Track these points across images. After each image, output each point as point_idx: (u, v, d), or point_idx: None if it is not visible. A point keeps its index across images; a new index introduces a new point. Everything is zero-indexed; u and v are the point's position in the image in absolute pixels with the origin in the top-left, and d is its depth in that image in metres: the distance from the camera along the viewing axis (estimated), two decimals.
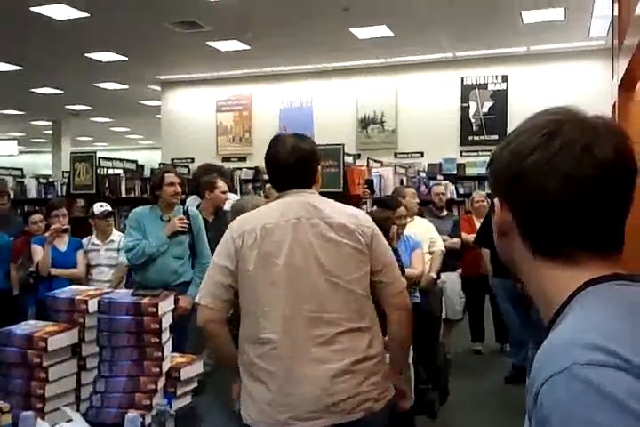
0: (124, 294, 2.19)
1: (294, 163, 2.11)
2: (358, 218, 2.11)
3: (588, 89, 9.92)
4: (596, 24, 9.09)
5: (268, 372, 1.96)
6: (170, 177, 4.17)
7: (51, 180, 8.32)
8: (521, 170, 0.80)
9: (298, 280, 1.98)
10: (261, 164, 10.91)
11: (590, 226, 0.78)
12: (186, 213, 4.26)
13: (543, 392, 0.66)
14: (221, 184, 4.61)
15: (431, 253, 5.00)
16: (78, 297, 2.15)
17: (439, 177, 9.83)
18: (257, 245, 2.00)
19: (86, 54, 10.81)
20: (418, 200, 5.32)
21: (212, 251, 3.99)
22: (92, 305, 2.12)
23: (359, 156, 9.86)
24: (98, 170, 5.92)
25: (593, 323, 0.70)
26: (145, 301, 2.09)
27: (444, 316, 5.27)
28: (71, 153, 6.13)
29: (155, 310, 2.06)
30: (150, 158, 16.86)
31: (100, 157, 6.07)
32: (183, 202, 6.03)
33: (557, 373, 0.65)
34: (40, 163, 23.53)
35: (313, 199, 2.11)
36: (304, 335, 1.96)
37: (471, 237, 5.63)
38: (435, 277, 4.95)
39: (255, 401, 1.98)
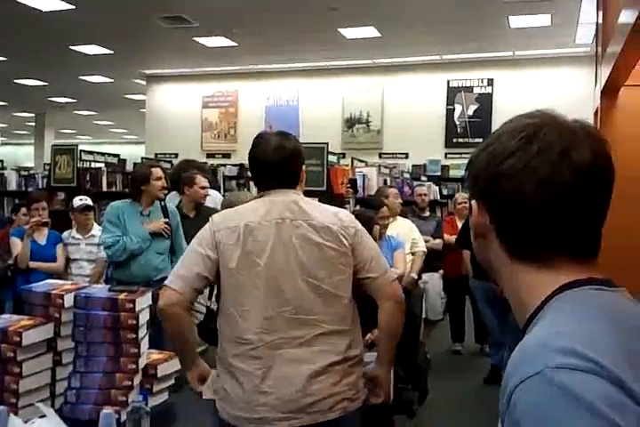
0: (100, 290, 2.17)
1: (279, 162, 2.09)
2: (342, 219, 2.09)
3: (572, 94, 10.00)
4: (582, 31, 9.17)
5: (244, 371, 1.94)
6: (158, 171, 4.15)
7: (31, 172, 8.22)
8: (498, 173, 0.80)
9: (279, 281, 1.97)
10: (246, 160, 10.88)
11: (566, 230, 0.79)
12: (164, 208, 4.24)
13: (516, 395, 0.66)
14: (200, 179, 4.57)
15: (413, 253, 5.02)
16: (54, 291, 2.13)
17: (423, 178, 9.87)
18: (240, 243, 1.97)
19: (71, 46, 10.71)
20: (400, 200, 5.34)
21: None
22: (69, 300, 2.10)
23: (344, 155, 9.87)
24: (79, 163, 5.86)
25: (566, 327, 0.70)
26: (122, 296, 2.07)
27: (424, 316, 5.29)
28: (52, 145, 6.06)
29: (132, 305, 2.05)
30: (134, 153, 16.75)
31: (81, 150, 6.01)
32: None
33: (530, 376, 0.65)
34: (22, 155, 23.31)
35: (297, 199, 2.09)
36: (283, 336, 1.95)
37: (453, 238, 5.66)
38: (416, 277, 4.98)
39: (232, 398, 1.97)
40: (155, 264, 4.11)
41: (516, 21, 8.87)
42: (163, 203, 4.29)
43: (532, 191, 0.77)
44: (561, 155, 0.77)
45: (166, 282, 2.01)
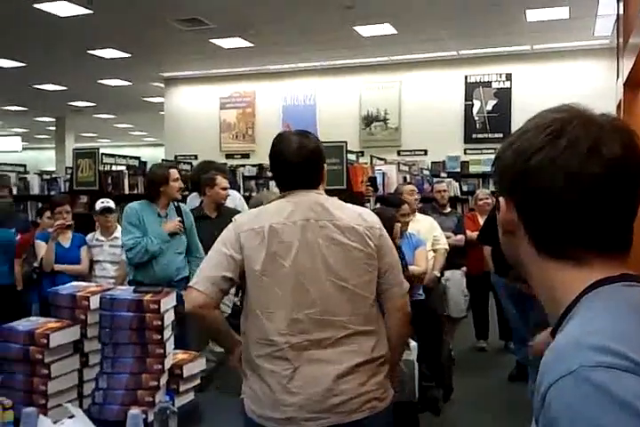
0: (125, 291, 2.19)
1: (301, 162, 2.06)
2: (366, 220, 2.07)
3: (591, 87, 9.88)
4: (601, 23, 9.07)
5: (271, 371, 1.94)
6: (175, 173, 4.22)
7: (54, 176, 8.31)
8: (526, 169, 0.79)
9: (305, 283, 1.96)
10: (265, 161, 10.89)
11: (597, 226, 0.77)
12: (178, 208, 4.27)
13: (551, 395, 0.65)
14: (221, 180, 4.57)
15: (434, 250, 4.99)
16: (80, 293, 2.15)
17: (443, 175, 9.82)
18: (264, 245, 1.96)
19: (89, 51, 10.81)
20: (416, 197, 5.29)
21: (210, 248, 3.93)
22: (94, 302, 2.12)
23: (362, 153, 9.85)
24: (101, 166, 5.91)
25: (600, 325, 0.69)
26: (147, 297, 2.08)
27: (446, 313, 5.27)
28: (74, 149, 6.12)
29: (157, 306, 2.06)
30: (154, 155, 16.88)
31: (102, 154, 6.07)
32: (182, 199, 6.05)
33: (565, 375, 0.64)
34: (43, 159, 23.58)
35: (321, 200, 2.07)
36: (309, 338, 1.94)
37: (475, 234, 5.63)
38: (438, 275, 4.95)
39: (259, 398, 1.97)
40: (176, 264, 4.15)
41: (534, 15, 8.78)
42: (177, 203, 4.32)
43: (562, 187, 0.76)
44: (590, 149, 0.76)
45: (191, 283, 2.00)
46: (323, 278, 1.97)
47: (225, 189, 4.57)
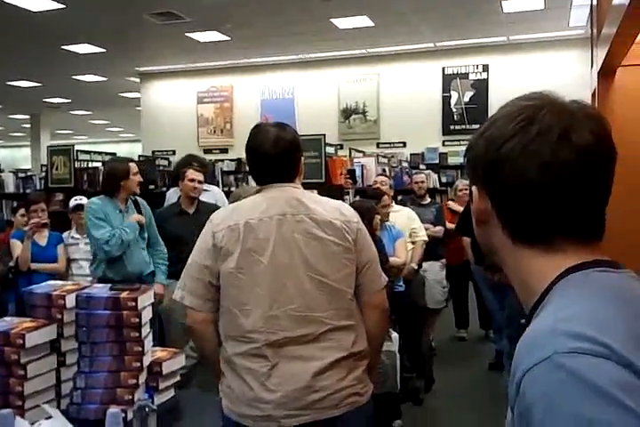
0: (102, 289, 2.16)
1: (278, 154, 2.03)
2: (344, 214, 2.06)
3: (567, 77, 9.96)
4: (576, 13, 9.12)
5: (249, 369, 1.93)
6: (135, 167, 4.17)
7: (29, 174, 8.20)
8: (498, 157, 0.78)
9: (283, 279, 1.94)
10: (243, 155, 10.86)
11: (570, 212, 0.78)
12: (135, 202, 4.25)
13: (525, 382, 0.65)
14: (190, 173, 4.44)
15: (413, 242, 5.01)
16: (55, 292, 2.12)
17: (422, 166, 9.85)
18: (240, 241, 1.94)
19: (64, 46, 10.65)
20: (387, 186, 5.30)
21: (188, 244, 3.91)
22: (70, 300, 2.09)
23: (341, 146, 9.84)
24: (76, 163, 5.84)
25: (574, 311, 0.69)
26: (124, 295, 2.06)
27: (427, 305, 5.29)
28: (48, 146, 6.04)
29: (134, 304, 2.03)
30: (131, 151, 16.75)
31: (78, 150, 5.99)
32: (159, 194, 5.99)
33: (539, 362, 0.64)
34: (19, 157, 23.30)
35: (298, 194, 2.05)
36: (289, 335, 1.92)
37: (452, 225, 5.67)
38: (415, 267, 4.97)
39: (237, 396, 1.96)
40: (144, 259, 4.15)
41: (510, 6, 8.81)
42: (134, 197, 4.28)
43: (534, 174, 0.76)
44: (561, 136, 0.76)
45: (177, 297, 2.06)
46: (301, 274, 1.95)
47: (192, 180, 4.41)
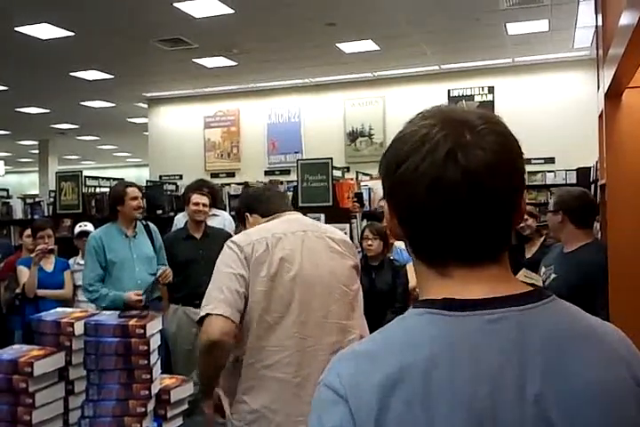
0: (110, 316, 2.14)
1: (283, 193, 2.45)
2: (346, 236, 2.31)
3: (573, 98, 10.00)
4: (580, 34, 9.18)
5: (280, 380, 1.92)
6: (133, 191, 4.06)
7: (37, 200, 8.23)
8: (395, 179, 0.78)
9: (311, 288, 1.99)
10: (250, 179, 10.86)
11: (459, 235, 0.75)
12: (147, 227, 4.20)
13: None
14: (195, 197, 4.38)
15: None
16: (64, 320, 2.10)
17: None
18: (269, 253, 1.99)
19: (72, 73, 10.78)
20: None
21: (195, 268, 3.87)
22: (79, 328, 2.07)
23: (348, 169, 9.86)
24: (84, 189, 5.86)
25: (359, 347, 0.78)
26: (132, 322, 2.04)
27: None
28: (57, 172, 6.07)
29: (142, 331, 2.01)
30: (138, 175, 16.84)
31: (86, 176, 6.02)
32: (167, 219, 5.97)
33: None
34: (27, 182, 23.46)
35: (307, 219, 2.25)
36: (318, 342, 1.95)
37: None
38: (416, 288, 4.94)
39: (265, 417, 1.94)
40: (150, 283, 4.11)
41: (514, 28, 8.88)
42: (145, 222, 4.23)
43: (424, 196, 0.74)
44: (447, 155, 0.73)
45: (207, 310, 1.93)
46: (327, 283, 2.02)
47: (197, 204, 4.34)
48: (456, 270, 0.77)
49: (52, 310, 2.31)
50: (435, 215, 0.75)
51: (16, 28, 8.21)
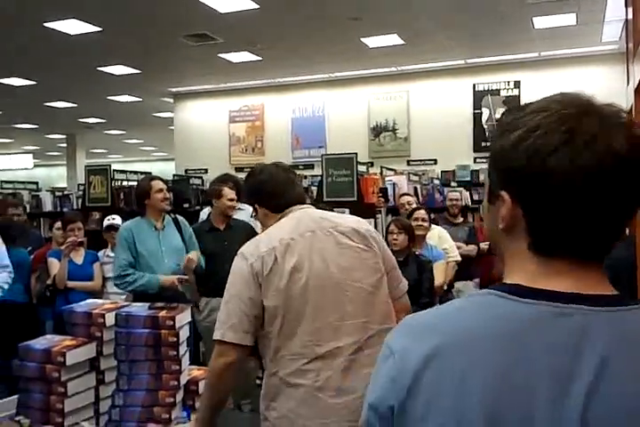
0: (141, 308, 2.19)
1: (292, 179, 2.21)
2: (363, 223, 2.19)
3: (600, 93, 9.46)
4: (608, 28, 9.05)
5: (302, 386, 1.92)
6: (157, 184, 4.15)
7: (65, 193, 8.37)
8: (543, 169, 0.76)
9: (323, 292, 1.97)
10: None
11: (581, 229, 0.77)
12: (175, 220, 4.27)
13: None
14: (228, 192, 4.48)
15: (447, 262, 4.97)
16: (95, 311, 2.15)
17: (453, 184, 9.78)
18: (279, 263, 1.96)
19: (99, 68, 10.91)
20: (413, 206, 5.28)
21: (221, 260, 3.89)
22: (110, 319, 2.12)
23: (372, 164, 9.84)
24: (112, 182, 5.95)
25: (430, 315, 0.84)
26: (162, 314, 2.09)
27: None
28: (86, 166, 6.16)
29: (172, 322, 2.06)
30: (164, 169, 16.97)
31: (114, 170, 6.11)
32: (193, 213, 6.02)
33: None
34: (55, 175, 23.81)
35: (318, 212, 2.16)
36: (337, 346, 1.94)
37: (486, 244, 5.60)
38: (445, 287, 4.93)
39: (293, 421, 1.93)
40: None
41: (541, 22, 8.78)
42: (173, 215, 4.30)
43: (581, 185, 0.75)
44: (602, 145, 0.75)
45: (218, 336, 1.92)
46: (338, 283, 2.00)
47: (231, 200, 4.47)
48: (558, 262, 0.79)
49: (84, 302, 2.37)
50: (590, 205, 0.76)
51: (45, 24, 8.33)
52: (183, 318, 2.13)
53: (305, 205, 2.18)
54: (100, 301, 2.42)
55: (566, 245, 0.78)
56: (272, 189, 2.18)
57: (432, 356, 0.75)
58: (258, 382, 4.32)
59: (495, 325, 0.75)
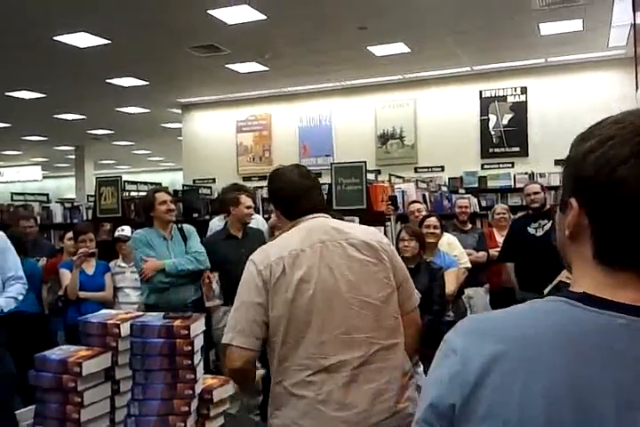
0: (155, 317, 2.20)
1: (312, 187, 2.19)
2: (377, 235, 2.16)
3: (607, 98, 9.86)
4: (615, 33, 9.05)
5: (305, 398, 1.93)
6: (161, 196, 4.25)
7: (75, 204, 8.43)
8: (612, 179, 0.77)
9: (330, 304, 1.96)
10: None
11: None
12: (181, 229, 4.32)
13: None
14: (245, 199, 4.56)
15: None
16: (110, 321, 2.16)
17: (461, 191, 9.79)
18: (287, 273, 1.97)
19: (108, 80, 11.00)
20: (423, 213, 5.29)
21: (238, 267, 3.89)
22: (125, 329, 2.13)
23: (379, 172, 9.87)
24: (123, 193, 5.99)
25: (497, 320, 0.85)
26: (177, 323, 2.09)
27: None
28: (96, 177, 6.22)
29: (187, 332, 2.06)
30: (173, 180, 17.06)
31: (125, 181, 6.15)
32: (202, 222, 6.07)
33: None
34: (63, 187, 23.94)
35: (331, 222, 2.14)
36: (341, 359, 1.94)
37: (495, 251, 5.61)
38: (454, 293, 4.92)
39: (290, 424, 1.95)
40: (190, 290, 4.22)
41: (547, 28, 8.79)
42: (180, 225, 4.38)
43: None
44: None
45: (227, 340, 2.00)
46: (347, 296, 1.98)
47: (249, 207, 4.55)
48: (623, 274, 0.78)
49: (98, 312, 2.38)
50: None
51: (54, 38, 8.42)
52: (197, 327, 2.13)
53: (320, 214, 2.16)
54: (114, 311, 2.44)
55: (632, 256, 0.78)
56: (287, 197, 2.18)
57: (497, 358, 0.76)
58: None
59: (562, 331, 0.75)
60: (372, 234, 2.14)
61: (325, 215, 2.18)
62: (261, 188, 10.46)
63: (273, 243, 2.13)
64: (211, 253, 4.40)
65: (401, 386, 2.00)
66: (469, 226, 6.01)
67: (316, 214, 2.15)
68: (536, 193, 5.25)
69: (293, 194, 2.17)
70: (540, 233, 4.96)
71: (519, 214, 5.92)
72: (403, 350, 2.06)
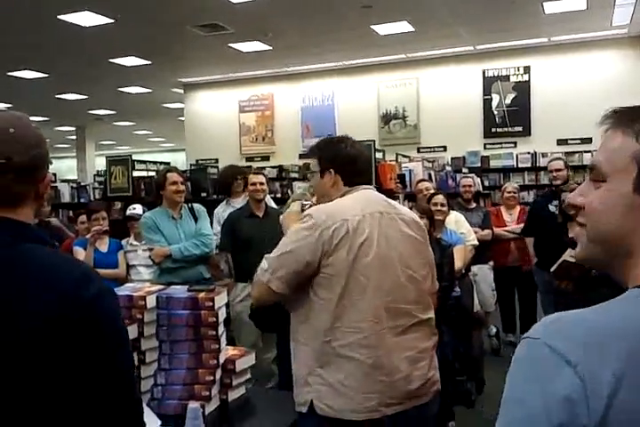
0: (180, 290, 2.28)
1: (369, 160, 2.38)
2: (415, 216, 2.26)
3: (610, 77, 9.87)
4: (619, 12, 9.03)
5: (355, 360, 1.97)
6: (172, 176, 4.29)
7: (82, 184, 8.48)
8: None
9: (384, 272, 2.03)
10: (285, 162, 10.87)
11: None
12: (191, 209, 4.40)
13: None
14: (251, 177, 4.67)
15: None
16: (136, 294, 2.25)
17: (464, 170, 9.82)
18: (349, 237, 1.99)
19: (111, 60, 10.99)
20: (432, 191, 5.36)
21: (259, 247, 3.98)
22: (151, 301, 2.21)
23: (382, 151, 9.88)
24: (132, 172, 6.04)
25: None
26: (201, 295, 2.18)
27: (477, 308, 5.30)
28: (107, 157, 6.26)
29: (211, 303, 2.15)
30: (173, 160, 17.04)
31: (135, 160, 6.21)
32: (211, 202, 6.14)
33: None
34: (64, 168, 23.90)
35: (381, 195, 2.24)
36: (388, 326, 2.02)
37: (501, 230, 5.72)
38: (463, 271, 5.00)
39: (338, 391, 1.97)
40: (200, 270, 4.32)
41: (551, 7, 8.76)
42: (190, 205, 4.44)
43: None
44: None
45: (263, 278, 2.03)
46: (397, 268, 2.06)
47: (254, 184, 4.60)
48: None
49: (123, 286, 2.47)
50: None
51: (58, 16, 8.40)
52: (221, 299, 2.22)
53: (372, 186, 2.28)
54: (139, 285, 2.52)
55: None
56: (358, 166, 2.22)
57: (624, 370, 0.69)
58: (273, 366, 4.40)
59: None
60: (413, 214, 2.26)
61: (374, 189, 2.29)
62: (264, 168, 10.51)
63: (332, 205, 2.13)
64: (232, 231, 4.47)
65: (430, 356, 2.12)
66: (474, 204, 6.08)
67: (368, 186, 2.24)
68: (558, 170, 5.27)
69: (363, 164, 2.27)
70: (557, 211, 5.02)
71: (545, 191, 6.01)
72: (432, 326, 2.17)
